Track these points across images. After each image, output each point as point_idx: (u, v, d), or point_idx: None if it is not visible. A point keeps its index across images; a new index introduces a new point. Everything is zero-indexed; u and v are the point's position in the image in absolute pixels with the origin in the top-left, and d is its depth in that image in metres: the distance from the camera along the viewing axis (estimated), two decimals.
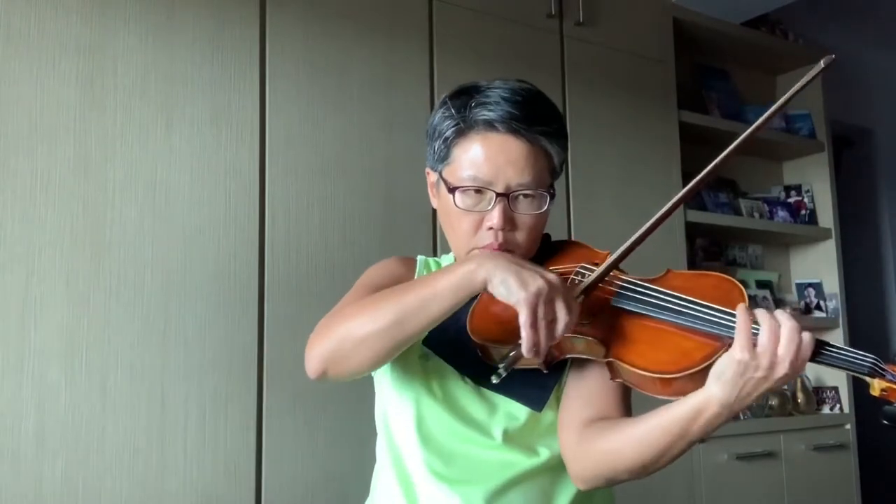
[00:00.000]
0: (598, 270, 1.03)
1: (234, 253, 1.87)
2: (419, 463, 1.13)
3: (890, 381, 0.87)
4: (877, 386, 0.88)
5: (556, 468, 1.13)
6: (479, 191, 1.10)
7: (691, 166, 2.92)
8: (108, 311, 1.71)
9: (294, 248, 1.95)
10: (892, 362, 0.89)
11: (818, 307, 3.25)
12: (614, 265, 1.04)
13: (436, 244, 2.16)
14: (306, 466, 1.88)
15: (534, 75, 2.51)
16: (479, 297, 1.11)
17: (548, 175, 1.14)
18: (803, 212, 3.30)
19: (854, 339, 3.26)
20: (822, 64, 1.00)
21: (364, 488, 1.28)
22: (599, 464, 1.02)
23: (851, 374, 0.90)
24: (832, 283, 3.25)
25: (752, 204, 3.16)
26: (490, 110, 1.09)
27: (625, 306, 1.03)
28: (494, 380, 0.97)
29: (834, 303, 3.23)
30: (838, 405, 3.11)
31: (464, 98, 1.12)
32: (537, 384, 1.10)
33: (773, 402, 2.92)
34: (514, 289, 0.93)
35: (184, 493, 1.74)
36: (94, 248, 1.71)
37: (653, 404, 0.98)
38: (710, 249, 3.13)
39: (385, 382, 1.21)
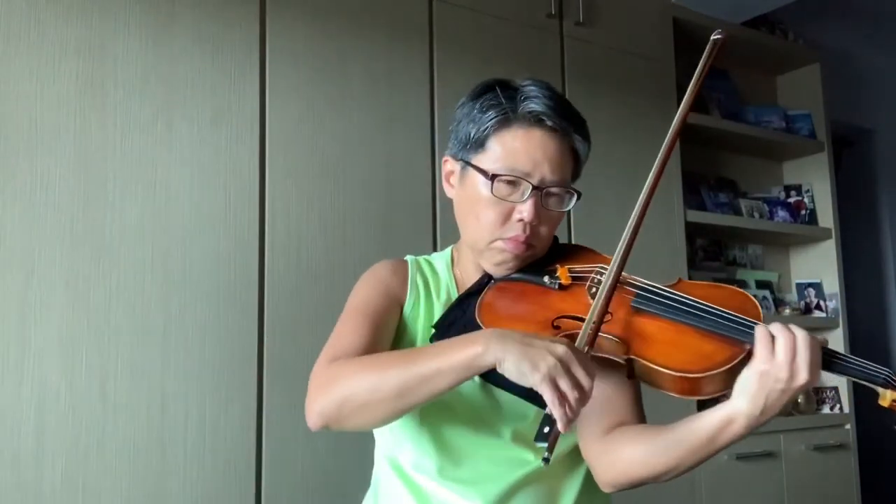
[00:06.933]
0: (612, 269, 1.04)
1: (234, 253, 1.87)
2: (428, 466, 1.14)
3: None
4: (888, 396, 0.93)
5: (562, 467, 1.15)
6: (513, 182, 1.12)
7: (691, 166, 2.93)
8: (108, 311, 1.71)
9: (294, 248, 1.95)
10: None
11: (818, 307, 3.25)
12: (624, 260, 1.05)
13: (435, 242, 2.16)
14: (306, 466, 1.88)
15: (534, 75, 2.51)
16: (486, 288, 1.14)
17: (571, 177, 1.17)
18: (803, 212, 3.30)
19: (854, 340, 3.26)
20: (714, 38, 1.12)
21: (364, 487, 1.28)
22: (627, 471, 1.05)
23: (864, 383, 0.95)
24: (832, 283, 3.25)
25: (752, 204, 3.16)
26: (537, 104, 1.12)
27: (645, 308, 1.05)
28: (545, 466, 0.96)
29: (834, 303, 3.23)
30: (838, 405, 3.11)
31: (510, 91, 1.14)
32: None
33: None
34: (527, 372, 0.92)
35: (184, 493, 1.74)
36: (94, 248, 1.71)
37: (664, 403, 0.98)
38: (710, 249, 3.12)
39: None
